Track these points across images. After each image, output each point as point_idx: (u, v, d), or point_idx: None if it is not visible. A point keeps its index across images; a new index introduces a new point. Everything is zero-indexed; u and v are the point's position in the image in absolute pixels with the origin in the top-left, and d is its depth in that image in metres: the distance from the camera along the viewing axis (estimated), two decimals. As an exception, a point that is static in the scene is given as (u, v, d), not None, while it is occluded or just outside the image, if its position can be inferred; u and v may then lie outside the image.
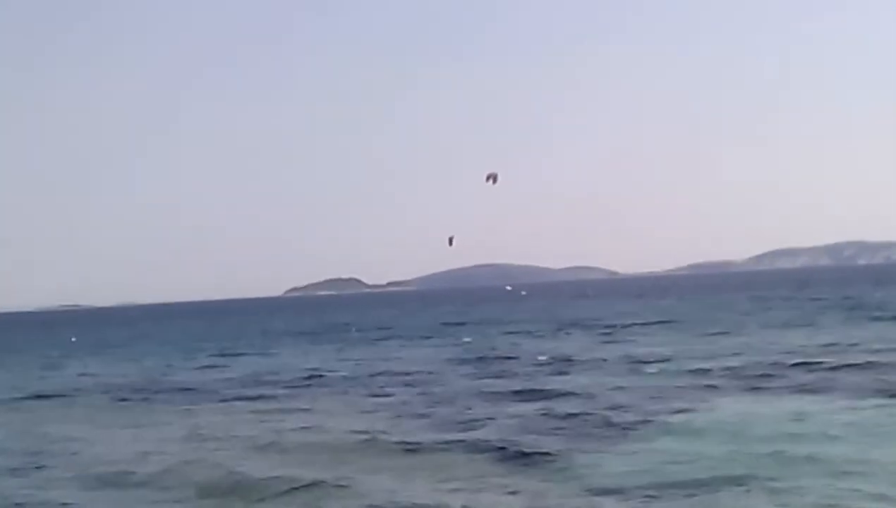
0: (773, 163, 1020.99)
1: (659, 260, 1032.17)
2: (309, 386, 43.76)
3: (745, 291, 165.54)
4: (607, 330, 70.96)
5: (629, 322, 79.78)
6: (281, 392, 41.67)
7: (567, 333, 71.09)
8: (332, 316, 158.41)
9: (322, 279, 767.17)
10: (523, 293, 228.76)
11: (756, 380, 36.10)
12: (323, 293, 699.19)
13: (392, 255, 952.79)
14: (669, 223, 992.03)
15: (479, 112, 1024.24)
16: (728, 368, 40.27)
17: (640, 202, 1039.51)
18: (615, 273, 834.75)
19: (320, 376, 47.55)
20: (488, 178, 34.62)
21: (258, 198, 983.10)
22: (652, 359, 48.08)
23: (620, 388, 35.80)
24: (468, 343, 69.86)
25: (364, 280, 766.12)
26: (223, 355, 68.32)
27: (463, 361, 52.25)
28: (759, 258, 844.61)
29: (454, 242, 37.86)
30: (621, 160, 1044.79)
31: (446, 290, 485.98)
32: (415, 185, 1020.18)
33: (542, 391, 36.18)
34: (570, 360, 50.34)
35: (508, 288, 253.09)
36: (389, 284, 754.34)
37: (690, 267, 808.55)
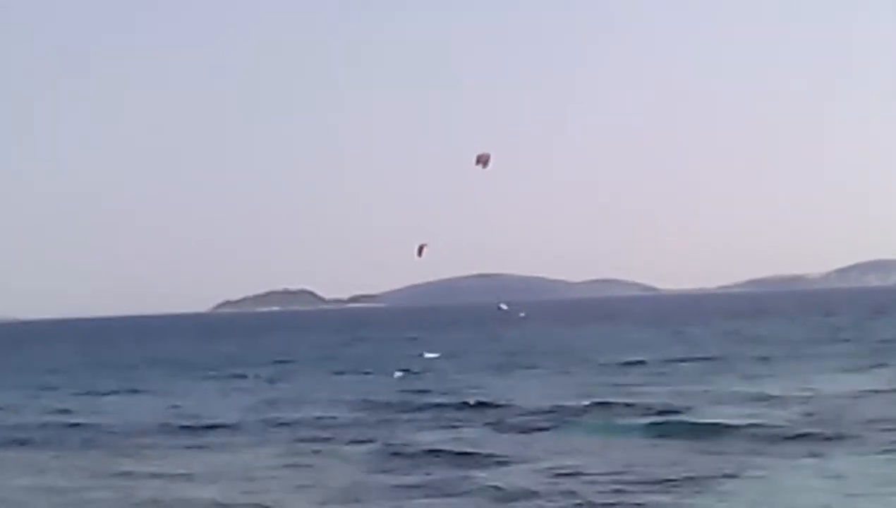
0: (863, 159, 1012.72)
1: (710, 273, 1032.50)
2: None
3: (814, 314, 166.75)
4: (599, 370, 75.06)
5: (632, 358, 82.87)
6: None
7: (535, 372, 75.31)
8: (256, 341, 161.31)
9: (264, 291, 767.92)
10: (521, 314, 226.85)
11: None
12: (263, 309, 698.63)
13: (357, 263, 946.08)
14: (725, 228, 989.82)
15: (470, 74, 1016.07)
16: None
17: (686, 201, 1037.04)
18: (652, 288, 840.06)
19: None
20: (479, 161, 35.93)
21: (184, 191, 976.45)
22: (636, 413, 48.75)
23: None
24: (401, 377, 73.35)
25: (319, 293, 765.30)
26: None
27: (368, 407, 54.93)
28: (843, 272, 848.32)
29: (424, 252, 41.04)
30: (662, 146, 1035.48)
31: (421, 309, 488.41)
32: (385, 176, 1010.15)
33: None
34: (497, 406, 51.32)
35: (503, 306, 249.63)
36: (352, 299, 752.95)
37: (751, 282, 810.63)
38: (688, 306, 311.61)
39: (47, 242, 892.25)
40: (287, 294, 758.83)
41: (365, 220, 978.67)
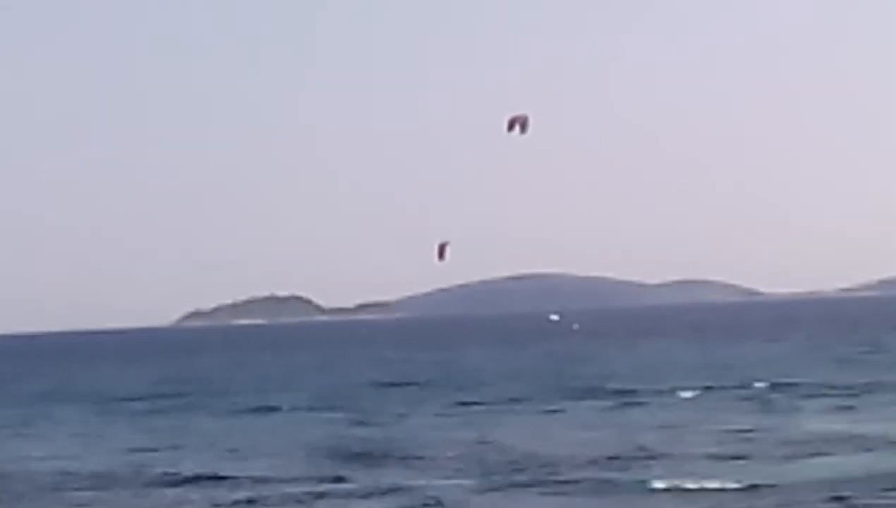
0: None
1: (829, 273, 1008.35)
2: None
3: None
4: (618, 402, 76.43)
5: (667, 386, 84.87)
6: None
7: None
8: (195, 362, 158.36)
9: (244, 298, 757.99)
10: (575, 326, 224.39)
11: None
12: (243, 321, 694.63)
13: (365, 264, 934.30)
14: (848, 217, 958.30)
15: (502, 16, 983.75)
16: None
17: (798, 184, 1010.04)
18: (754, 292, 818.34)
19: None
20: (512, 126, 35.13)
21: (140, 181, 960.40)
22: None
23: None
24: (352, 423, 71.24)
25: (316, 300, 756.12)
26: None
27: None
28: None
29: (447, 253, 40.63)
30: (764, 112, 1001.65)
31: (446, 319, 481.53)
32: (399, 153, 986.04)
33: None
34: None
35: (554, 317, 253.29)
36: (359, 307, 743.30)
37: (883, 283, 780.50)
38: (796, 311, 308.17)
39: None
40: (274, 302, 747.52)
41: (375, 209, 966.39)
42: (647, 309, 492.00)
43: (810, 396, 74.69)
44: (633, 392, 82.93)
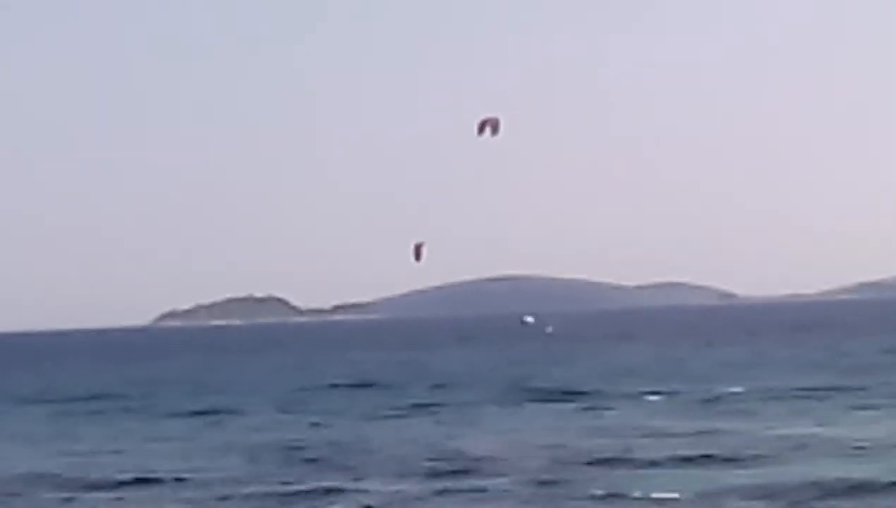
0: None
1: (807, 277, 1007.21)
2: None
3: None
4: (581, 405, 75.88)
5: (631, 390, 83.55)
6: None
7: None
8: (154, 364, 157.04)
9: (222, 298, 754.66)
10: (549, 330, 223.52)
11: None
12: (220, 322, 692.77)
13: (343, 264, 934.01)
14: (828, 219, 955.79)
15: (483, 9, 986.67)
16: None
17: (776, 187, 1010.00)
18: (730, 295, 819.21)
19: None
20: (482, 128, 35.61)
21: (117, 181, 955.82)
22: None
23: None
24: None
25: (293, 301, 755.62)
26: None
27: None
28: None
29: (424, 253, 40.98)
30: (744, 116, 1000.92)
31: (422, 321, 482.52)
32: (377, 151, 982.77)
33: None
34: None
35: (528, 319, 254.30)
36: (336, 309, 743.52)
37: (861, 286, 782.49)
38: (768, 316, 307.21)
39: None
40: (252, 302, 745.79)
41: (353, 209, 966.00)
42: (621, 313, 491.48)
43: (769, 400, 73.71)
44: (595, 395, 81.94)
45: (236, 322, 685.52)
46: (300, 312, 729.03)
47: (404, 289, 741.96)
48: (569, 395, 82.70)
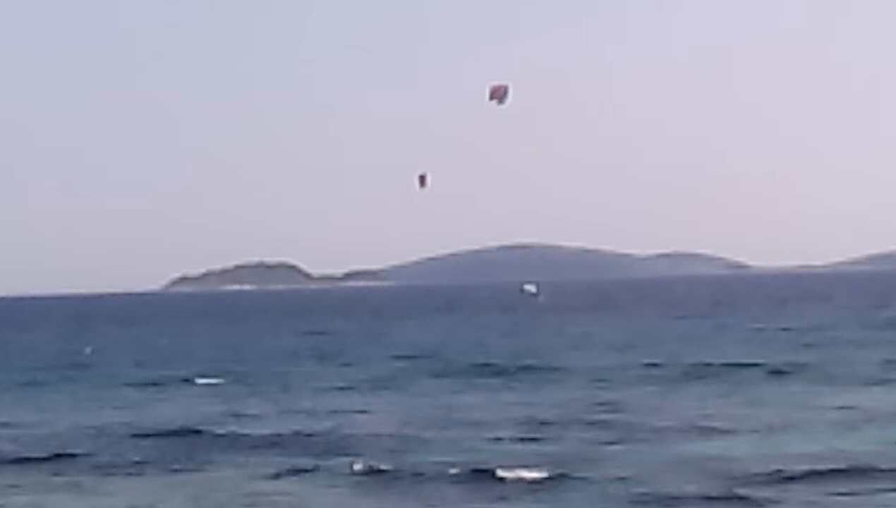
0: None
1: (820, 248, 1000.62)
2: None
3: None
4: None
5: (569, 363, 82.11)
6: None
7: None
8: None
9: (233, 264, 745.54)
10: (540, 299, 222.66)
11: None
12: (232, 287, 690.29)
13: (355, 231, 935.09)
14: (839, 189, 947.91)
15: None
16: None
17: (789, 156, 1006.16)
18: (742, 265, 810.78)
19: None
20: (493, 96, 35.05)
21: (129, 145, 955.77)
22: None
23: None
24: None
25: (304, 268, 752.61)
26: None
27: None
28: None
29: (428, 181, 40.17)
30: (757, 79, 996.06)
31: (431, 288, 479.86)
32: (389, 118, 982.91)
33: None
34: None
35: (529, 287, 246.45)
36: (348, 275, 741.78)
37: (873, 258, 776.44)
38: (784, 286, 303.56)
39: None
40: (263, 268, 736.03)
41: (364, 177, 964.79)
42: (635, 282, 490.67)
43: (717, 376, 71.71)
44: (530, 369, 79.84)
45: (247, 287, 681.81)
46: (311, 279, 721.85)
47: (416, 257, 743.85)
48: (509, 370, 79.89)
